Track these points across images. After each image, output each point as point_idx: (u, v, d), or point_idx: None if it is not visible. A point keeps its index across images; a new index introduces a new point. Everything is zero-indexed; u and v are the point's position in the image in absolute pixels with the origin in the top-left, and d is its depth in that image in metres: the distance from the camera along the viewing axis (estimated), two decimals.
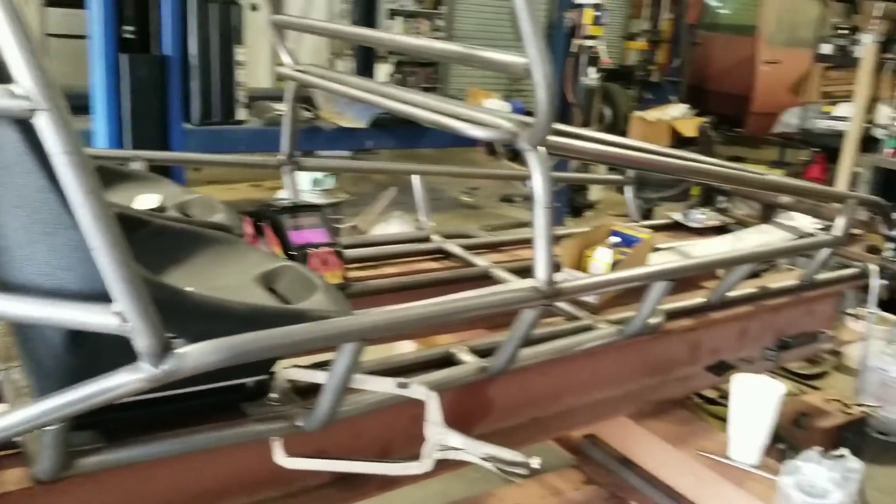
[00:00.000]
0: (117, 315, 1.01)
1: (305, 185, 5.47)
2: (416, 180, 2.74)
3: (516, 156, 8.15)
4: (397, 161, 8.48)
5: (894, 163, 4.98)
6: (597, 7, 6.13)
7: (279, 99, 6.05)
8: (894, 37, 5.38)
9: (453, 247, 2.58)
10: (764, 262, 2.53)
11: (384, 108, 1.83)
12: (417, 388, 1.45)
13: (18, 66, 0.92)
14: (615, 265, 2.18)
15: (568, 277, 2.13)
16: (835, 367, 4.31)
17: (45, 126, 0.93)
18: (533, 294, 1.52)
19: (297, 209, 2.15)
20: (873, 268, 2.53)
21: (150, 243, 1.60)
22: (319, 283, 1.54)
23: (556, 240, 2.74)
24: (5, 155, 1.03)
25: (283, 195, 5.23)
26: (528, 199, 5.90)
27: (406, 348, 2.18)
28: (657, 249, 2.60)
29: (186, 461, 1.37)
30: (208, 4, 3.73)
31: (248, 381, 1.42)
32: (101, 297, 1.05)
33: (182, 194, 2.04)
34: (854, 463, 1.67)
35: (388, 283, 2.26)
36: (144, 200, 1.90)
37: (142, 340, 1.03)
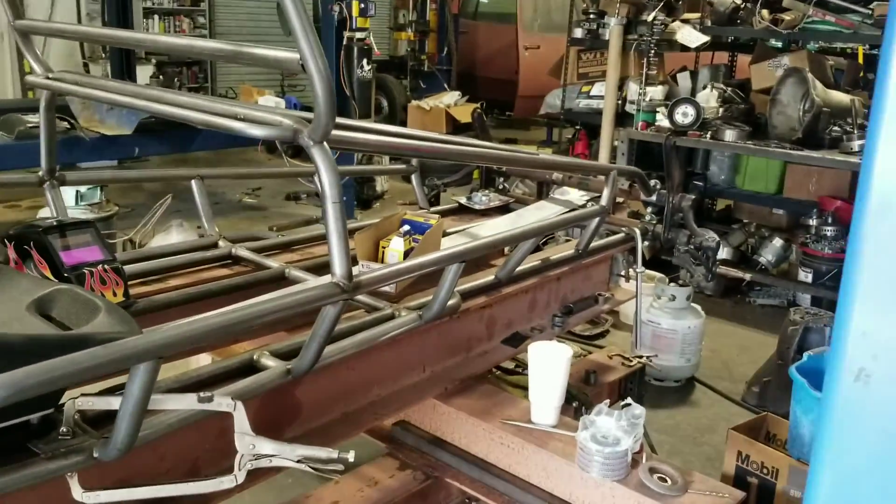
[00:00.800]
0: None
1: (69, 202, 5.07)
2: (194, 185, 2.63)
3: (298, 152, 8.08)
4: (169, 167, 8.08)
5: (646, 135, 5.49)
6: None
7: (29, 110, 5.55)
8: (635, 19, 5.91)
9: (243, 251, 2.51)
10: (544, 235, 2.69)
11: (152, 113, 1.74)
12: (221, 400, 1.40)
13: None
14: (409, 253, 2.23)
15: (365, 270, 2.15)
16: (613, 326, 4.71)
17: None
18: (333, 290, 1.52)
19: (66, 227, 1.99)
20: (637, 231, 2.78)
21: None
22: (101, 303, 1.44)
23: (350, 234, 2.77)
24: None
25: (47, 214, 4.82)
26: (314, 195, 5.90)
27: (204, 361, 2.09)
28: (448, 234, 2.69)
29: None
30: None
31: (33, 417, 1.30)
32: None
33: None
34: (637, 409, 1.83)
35: (177, 295, 2.15)
36: None
37: None
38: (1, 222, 6.08)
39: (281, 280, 2.34)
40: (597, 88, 6.44)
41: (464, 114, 9.07)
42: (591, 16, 6.41)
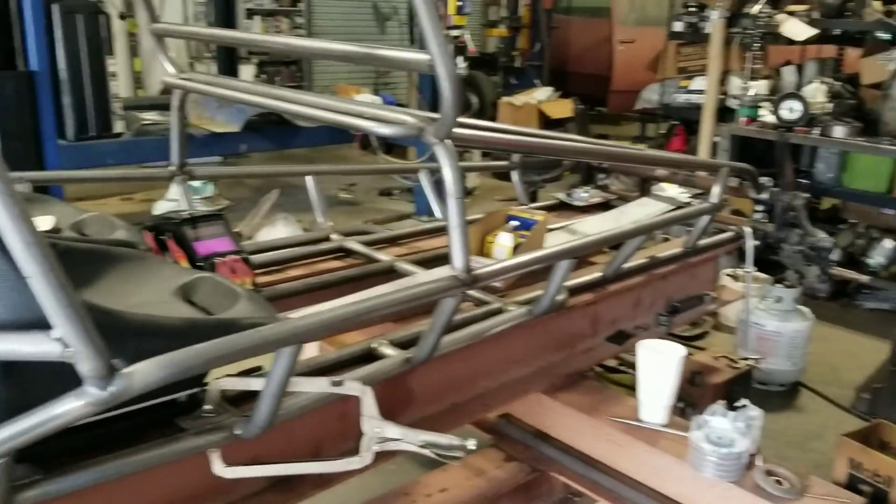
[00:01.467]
0: (58, 341, 0.99)
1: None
2: (309, 181, 2.74)
3: (391, 149, 8.21)
4: (269, 163, 8.34)
5: (748, 130, 5.36)
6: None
7: (145, 108, 5.83)
8: (738, 12, 5.77)
9: (354, 244, 2.60)
10: (652, 233, 2.68)
11: (286, 113, 1.83)
12: (352, 385, 1.47)
13: None
14: (517, 248, 2.27)
15: (475, 264, 2.21)
16: (714, 327, 4.63)
17: None
18: (453, 283, 1.57)
19: (198, 219, 2.11)
20: (748, 230, 2.74)
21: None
22: (240, 291, 1.53)
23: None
24: None
25: (164, 206, 5.07)
26: (406, 191, 6.00)
27: (310, 351, 2.19)
28: (550, 230, 2.72)
29: (124, 483, 1.33)
30: (74, 16, 3.54)
31: (181, 395, 1.40)
32: (30, 324, 1.02)
33: (75, 214, 1.97)
34: (754, 411, 1.82)
35: (297, 285, 2.26)
36: (37, 223, 1.81)
37: (86, 364, 1.01)
38: (118, 214, 6.42)
39: (390, 273, 2.43)
40: (697, 83, 6.32)
41: (556, 110, 9.02)
42: (692, 9, 6.30)
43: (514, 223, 2.35)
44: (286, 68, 12.18)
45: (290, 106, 1.79)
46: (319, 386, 1.46)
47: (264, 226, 5.21)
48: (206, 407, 1.43)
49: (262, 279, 2.29)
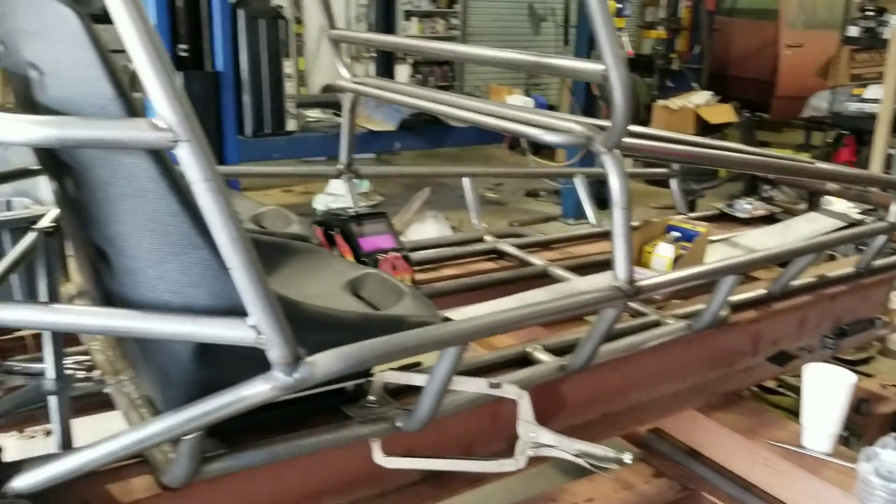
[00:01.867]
0: (252, 328, 1.07)
1: (340, 190, 5.55)
2: (466, 183, 2.79)
3: (538, 150, 8.19)
4: (418, 161, 8.53)
5: None
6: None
7: (309, 105, 6.10)
8: None
9: (507, 246, 2.63)
10: (825, 251, 2.55)
11: (454, 118, 1.88)
12: (510, 388, 1.50)
13: (160, 100, 0.97)
14: (677, 260, 2.22)
15: (638, 275, 2.18)
16: (880, 352, 4.32)
17: (186, 156, 0.99)
18: (615, 293, 1.56)
19: (363, 217, 2.21)
20: None
21: None
22: (405, 288, 1.59)
23: (603, 235, 2.79)
24: (139, 181, 1.08)
25: (324, 200, 5.28)
26: (552, 193, 5.93)
27: None
28: (711, 241, 2.64)
29: (291, 464, 1.42)
30: (257, 21, 3.81)
31: (349, 384, 1.47)
32: (227, 311, 1.11)
33: (255, 207, 2.10)
34: None
35: (453, 284, 2.32)
36: None
37: (276, 351, 1.08)
38: (281, 204, 6.77)
39: (543, 277, 2.44)
40: (872, 91, 5.93)
41: (715, 115, 8.69)
42: (869, 13, 5.91)
43: (675, 234, 2.30)
44: (439, 68, 12.41)
45: (460, 112, 1.83)
46: (478, 386, 1.49)
47: (415, 222, 5.34)
48: (371, 398, 1.49)
49: (419, 276, 2.36)
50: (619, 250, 1.56)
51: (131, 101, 1.04)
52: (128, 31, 0.94)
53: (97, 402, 1.61)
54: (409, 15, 11.85)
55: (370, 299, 1.60)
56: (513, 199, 8.12)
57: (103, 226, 1.17)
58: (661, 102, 9.19)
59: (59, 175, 1.29)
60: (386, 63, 9.38)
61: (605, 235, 2.91)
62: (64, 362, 1.37)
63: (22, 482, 1.15)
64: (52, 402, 1.31)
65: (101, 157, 1.09)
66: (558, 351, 1.82)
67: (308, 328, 1.23)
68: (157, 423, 1.13)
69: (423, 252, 2.55)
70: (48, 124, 0.96)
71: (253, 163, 4.85)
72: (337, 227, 2.13)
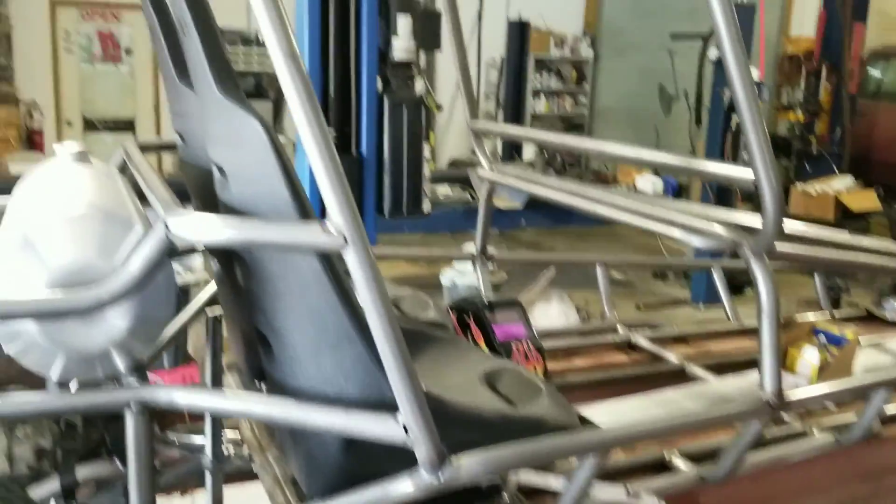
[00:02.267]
0: (402, 426, 1.10)
1: (466, 266, 5.64)
2: (600, 271, 2.78)
3: None
4: (543, 237, 8.55)
5: None
6: (756, 85, 6.04)
7: (438, 181, 6.24)
8: None
9: (641, 339, 2.59)
10: None
11: (593, 214, 1.89)
12: (648, 499, 1.46)
13: (333, 206, 1.04)
14: (823, 368, 2.12)
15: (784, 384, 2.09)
16: None
17: (353, 259, 1.05)
18: (762, 407, 1.50)
19: (497, 304, 2.24)
20: None
21: None
22: (542, 385, 1.59)
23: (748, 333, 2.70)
24: (305, 278, 1.15)
25: (450, 275, 5.35)
26: (682, 275, 5.72)
27: None
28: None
29: None
30: (401, 107, 4.03)
31: (485, 482, 1.47)
32: (376, 404, 1.15)
33: (393, 290, 2.16)
34: None
35: (584, 377, 2.29)
36: None
37: (423, 451, 1.11)
38: (406, 276, 6.92)
39: (679, 374, 2.37)
40: None
41: (857, 201, 8.32)
42: None
43: (822, 338, 2.20)
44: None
45: (600, 207, 1.84)
46: (615, 494, 1.46)
47: (540, 301, 5.33)
48: (505, 497, 1.49)
49: (549, 365, 2.35)
50: (768, 360, 1.51)
51: (306, 204, 1.12)
52: (309, 143, 1.02)
53: (245, 473, 1.68)
54: (537, 93, 12.05)
55: (506, 394, 1.60)
56: (639, 279, 7.97)
57: (269, 315, 1.24)
58: (799, 187, 8.89)
59: (227, 261, 1.39)
60: (513, 142, 9.56)
61: (744, 333, 2.83)
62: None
63: None
64: (208, 476, 1.39)
65: (274, 254, 1.17)
66: (697, 457, 1.76)
67: (450, 424, 1.24)
68: None
69: (554, 340, 2.55)
70: (232, 225, 1.05)
71: (386, 234, 5.02)
72: (471, 314, 2.16)
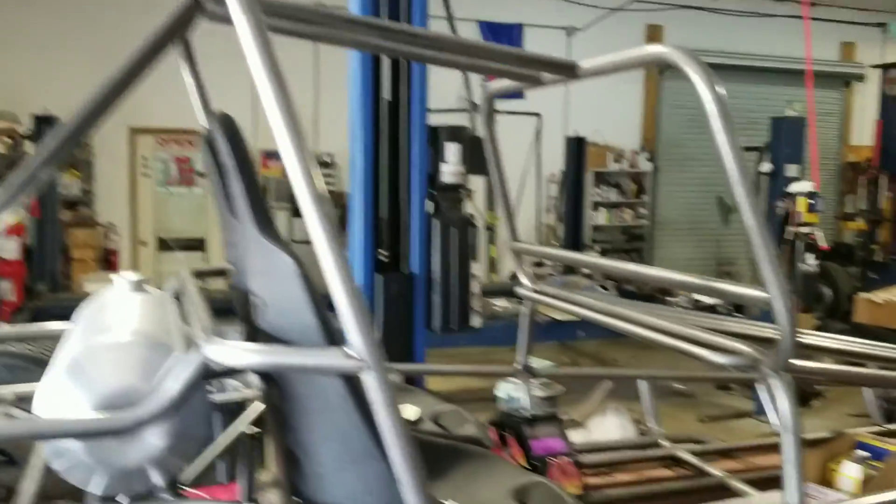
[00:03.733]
0: None
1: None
2: (642, 386, 2.81)
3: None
4: (602, 348, 8.47)
5: None
6: (811, 195, 6.07)
7: (495, 294, 6.34)
8: None
9: (684, 453, 2.58)
10: None
11: (619, 331, 1.96)
12: None
13: (353, 332, 1.15)
14: (866, 482, 2.09)
15: (812, 492, 2.07)
16: None
17: (371, 381, 1.15)
18: None
19: (536, 419, 2.29)
20: None
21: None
22: (570, 502, 1.63)
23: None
24: (329, 397, 1.26)
25: (506, 388, 5.38)
26: (745, 386, 5.56)
27: None
28: None
29: None
30: (450, 228, 4.23)
31: None
32: None
33: (435, 404, 2.25)
34: None
35: (623, 492, 2.30)
36: (405, 412, 2.12)
37: None
38: (463, 389, 6.93)
39: (721, 489, 2.35)
40: None
41: None
42: None
43: (862, 453, 2.17)
44: (626, 255, 12.50)
45: (628, 326, 1.91)
46: None
47: (596, 415, 5.27)
48: None
49: (592, 480, 2.37)
50: (790, 479, 1.52)
51: (331, 330, 1.23)
52: (331, 272, 1.14)
53: None
54: (597, 206, 12.21)
55: None
56: (702, 391, 7.78)
57: (297, 432, 1.34)
58: (864, 295, 8.67)
59: (268, 382, 1.50)
60: (574, 246, 9.63)
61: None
62: None
63: None
64: None
65: (302, 377, 1.28)
66: None
67: None
68: None
69: (597, 455, 2.56)
70: (261, 351, 1.17)
71: (449, 348, 5.07)
72: (511, 429, 2.22)
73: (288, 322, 1.28)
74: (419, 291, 3.87)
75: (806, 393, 7.35)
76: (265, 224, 1.28)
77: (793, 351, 1.52)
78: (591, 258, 2.29)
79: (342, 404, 1.24)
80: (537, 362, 5.64)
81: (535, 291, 2.42)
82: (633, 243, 12.55)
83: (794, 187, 6.17)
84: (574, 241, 10.08)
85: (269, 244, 1.25)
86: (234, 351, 1.17)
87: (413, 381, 3.37)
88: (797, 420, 1.54)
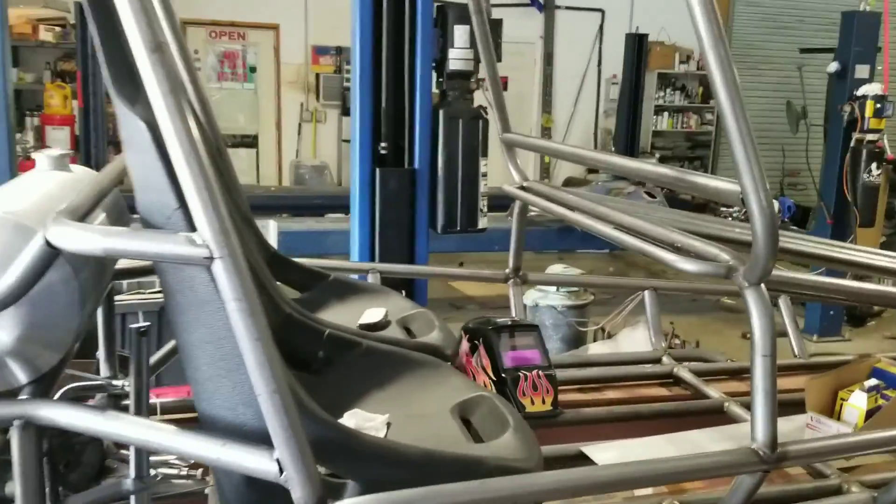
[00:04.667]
0: (277, 462, 1.01)
1: (552, 287, 5.47)
2: (647, 297, 2.59)
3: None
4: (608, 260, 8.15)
5: None
6: (880, 99, 5.55)
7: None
8: None
9: (685, 372, 2.37)
10: None
11: (597, 234, 1.75)
12: None
13: (199, 215, 0.96)
14: (872, 413, 1.85)
15: (813, 424, 1.86)
16: None
17: (219, 273, 0.97)
18: (749, 458, 1.30)
19: (515, 328, 2.10)
20: None
21: (359, 365, 1.64)
22: (513, 420, 1.45)
23: (806, 368, 2.43)
24: (199, 293, 1.09)
25: (531, 297, 5.20)
26: (799, 303, 5.25)
27: None
28: None
29: None
30: (457, 121, 3.95)
31: None
32: (262, 438, 1.06)
33: (406, 309, 2.07)
34: None
35: (605, 412, 2.12)
36: (371, 314, 1.96)
37: (298, 491, 1.01)
38: (487, 295, 6.78)
39: (718, 413, 2.15)
40: None
41: None
42: None
43: (874, 381, 1.92)
44: (689, 163, 12.00)
45: (604, 228, 1.69)
46: None
47: (626, 326, 5.09)
48: None
49: (573, 396, 2.20)
50: (759, 406, 1.31)
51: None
52: (172, 141, 0.95)
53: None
54: (660, 109, 11.64)
55: (477, 426, 1.48)
56: None
57: (175, 333, 1.18)
58: None
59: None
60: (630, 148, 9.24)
61: (810, 368, 2.54)
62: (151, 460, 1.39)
63: None
64: (132, 501, 1.33)
65: (168, 267, 1.11)
66: None
67: (363, 462, 1.15)
68: None
69: (590, 369, 2.38)
70: (101, 236, 1.00)
71: (442, 254, 4.88)
72: (482, 337, 2.04)
73: (151, 202, 1.10)
74: (422, 188, 3.63)
75: (863, 313, 6.96)
76: (122, 85, 1.09)
77: (769, 258, 1.27)
78: (575, 150, 2.04)
79: (212, 301, 1.07)
80: (568, 270, 5.44)
81: (524, 189, 2.19)
82: (696, 151, 12.00)
83: (862, 90, 5.65)
84: (630, 146, 9.61)
85: (124, 108, 1.07)
86: (74, 234, 1.00)
87: (412, 284, 3.20)
88: (771, 340, 1.31)
